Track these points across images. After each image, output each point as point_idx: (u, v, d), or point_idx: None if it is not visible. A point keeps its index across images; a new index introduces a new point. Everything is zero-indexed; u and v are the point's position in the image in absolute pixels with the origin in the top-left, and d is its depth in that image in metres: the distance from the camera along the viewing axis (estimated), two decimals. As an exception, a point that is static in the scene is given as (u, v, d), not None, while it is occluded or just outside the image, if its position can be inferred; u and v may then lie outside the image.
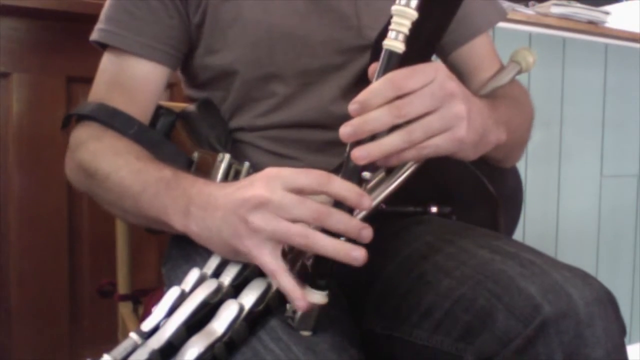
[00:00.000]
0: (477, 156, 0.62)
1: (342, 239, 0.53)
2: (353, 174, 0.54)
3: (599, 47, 2.04)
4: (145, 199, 0.63)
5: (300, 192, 0.53)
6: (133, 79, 0.79)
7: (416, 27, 0.54)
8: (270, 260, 0.53)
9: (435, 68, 0.55)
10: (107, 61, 0.81)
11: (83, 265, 1.46)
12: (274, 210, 0.52)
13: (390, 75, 0.53)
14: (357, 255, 0.52)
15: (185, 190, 0.60)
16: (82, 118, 0.77)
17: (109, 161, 0.69)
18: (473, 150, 0.60)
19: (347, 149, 0.54)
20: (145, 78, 0.79)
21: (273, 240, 0.52)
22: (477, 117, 0.58)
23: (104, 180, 0.69)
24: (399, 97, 0.53)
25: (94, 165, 0.70)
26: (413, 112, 0.53)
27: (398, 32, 0.53)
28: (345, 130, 0.52)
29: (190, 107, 0.86)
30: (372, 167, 0.55)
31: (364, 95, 0.53)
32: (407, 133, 0.53)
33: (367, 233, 0.52)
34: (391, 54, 0.54)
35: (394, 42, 0.53)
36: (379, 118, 0.52)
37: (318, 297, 0.54)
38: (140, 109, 0.78)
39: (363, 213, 0.58)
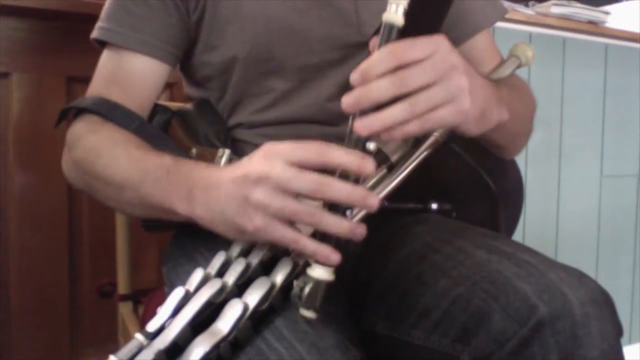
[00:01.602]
0: (480, 132, 0.61)
1: (348, 212, 0.53)
2: (356, 146, 0.54)
3: (599, 47, 2.04)
4: (146, 187, 0.63)
5: (300, 165, 0.52)
6: (131, 75, 0.79)
7: (417, 5, 0.53)
8: (285, 231, 0.53)
9: (437, 41, 0.54)
10: (106, 58, 0.81)
11: (83, 265, 1.47)
12: (275, 185, 0.52)
13: (392, 45, 0.52)
14: (360, 231, 0.53)
15: (187, 175, 0.60)
16: (80, 112, 0.76)
17: (107, 154, 0.69)
18: (476, 125, 0.59)
19: (350, 121, 0.54)
20: (143, 74, 0.79)
21: (279, 216, 0.52)
22: (479, 91, 0.57)
23: (103, 173, 0.68)
24: (400, 68, 0.52)
25: (92, 160, 0.70)
26: (415, 82, 0.52)
27: (397, 5, 0.53)
28: (347, 100, 0.52)
29: (187, 105, 0.86)
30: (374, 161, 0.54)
31: (365, 64, 0.52)
32: (410, 104, 0.52)
33: (372, 200, 0.52)
34: (391, 27, 0.53)
35: (393, 16, 0.53)
36: (380, 88, 0.51)
37: (324, 272, 0.54)
38: (137, 105, 0.78)
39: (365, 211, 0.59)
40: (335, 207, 0.54)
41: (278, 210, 0.52)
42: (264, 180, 0.52)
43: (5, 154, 1.36)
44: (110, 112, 0.74)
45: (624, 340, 0.58)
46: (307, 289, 0.54)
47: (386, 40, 0.53)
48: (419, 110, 0.53)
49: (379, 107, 0.52)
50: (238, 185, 0.53)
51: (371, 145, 0.54)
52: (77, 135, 0.75)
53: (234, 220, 0.54)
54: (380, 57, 0.52)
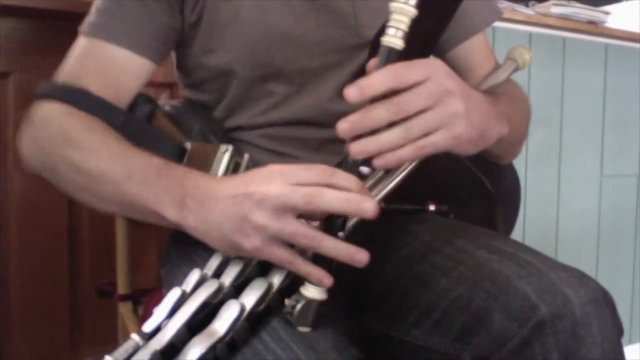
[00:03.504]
0: (478, 151, 0.62)
1: (341, 235, 0.53)
2: (352, 169, 0.54)
3: (599, 47, 2.04)
4: (131, 186, 0.60)
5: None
6: (111, 65, 0.74)
7: (415, 25, 0.54)
8: (283, 252, 0.53)
9: (433, 65, 0.55)
10: (87, 42, 0.75)
11: (83, 265, 1.47)
12: (275, 207, 0.52)
13: (390, 66, 0.53)
14: (360, 258, 0.53)
15: (179, 181, 0.58)
16: (59, 99, 0.70)
17: (85, 141, 0.65)
18: (473, 146, 0.60)
19: (346, 144, 0.54)
20: (124, 66, 0.75)
21: (277, 237, 0.53)
22: (476, 114, 0.58)
23: (79, 161, 0.64)
24: (396, 93, 0.53)
25: (64, 143, 0.65)
26: (410, 109, 0.53)
27: (397, 29, 0.53)
28: (343, 126, 0.53)
29: (172, 101, 0.84)
30: (371, 162, 0.55)
31: (363, 80, 0.52)
32: (404, 130, 0.53)
33: (370, 205, 0.52)
34: (390, 50, 0.54)
35: (393, 39, 0.54)
36: (376, 115, 0.52)
37: (317, 292, 0.55)
38: (114, 97, 0.73)
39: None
40: (332, 225, 0.54)
41: (277, 231, 0.52)
42: (265, 202, 0.52)
43: (5, 154, 1.36)
44: (96, 108, 0.69)
45: (623, 340, 0.58)
46: (298, 307, 0.55)
47: (384, 63, 0.54)
48: (413, 136, 0.54)
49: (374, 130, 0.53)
50: (238, 203, 0.53)
51: (365, 170, 0.55)
52: (50, 114, 0.69)
53: (231, 237, 0.54)
54: (379, 76, 0.53)
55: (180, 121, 0.79)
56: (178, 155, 0.72)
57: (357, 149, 0.53)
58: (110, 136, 0.65)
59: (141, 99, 0.78)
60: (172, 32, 0.78)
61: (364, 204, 0.52)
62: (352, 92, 0.52)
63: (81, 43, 0.76)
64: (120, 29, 0.74)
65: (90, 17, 0.77)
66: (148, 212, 0.60)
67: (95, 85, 0.71)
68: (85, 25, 0.77)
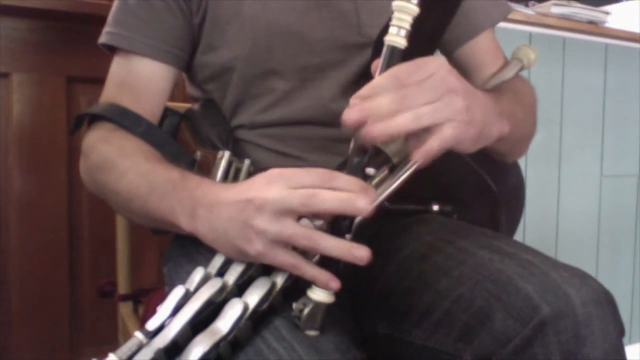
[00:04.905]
0: (478, 148, 0.62)
1: (348, 237, 0.53)
2: (357, 170, 0.54)
3: (599, 47, 2.04)
4: (152, 201, 0.64)
5: None
6: (140, 80, 0.80)
7: (418, 23, 0.54)
8: (286, 256, 0.53)
9: (437, 62, 0.55)
10: (116, 64, 0.82)
11: (83, 265, 1.47)
12: (275, 211, 0.52)
13: (394, 70, 0.53)
14: (361, 255, 0.52)
15: (191, 192, 0.60)
16: (93, 119, 0.78)
17: (117, 164, 0.70)
18: (473, 144, 0.60)
19: (351, 145, 0.54)
20: (151, 78, 0.80)
21: (278, 240, 0.53)
22: (477, 112, 0.58)
23: (113, 183, 0.69)
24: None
25: (103, 170, 0.71)
26: (415, 102, 0.53)
27: (400, 27, 0.53)
28: (352, 116, 0.52)
29: (195, 106, 0.86)
30: (376, 164, 0.55)
31: (366, 90, 0.53)
32: (415, 117, 0.53)
33: (363, 203, 0.51)
34: (393, 49, 0.54)
35: (396, 38, 0.54)
36: (383, 105, 0.52)
37: (324, 295, 0.54)
38: (148, 109, 0.79)
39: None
40: (338, 228, 0.54)
41: (276, 234, 0.52)
42: (265, 206, 0.52)
43: (5, 154, 1.36)
44: (120, 117, 0.75)
45: (623, 340, 0.57)
46: (306, 311, 0.54)
47: (388, 62, 0.54)
48: (422, 123, 0.53)
49: None
50: (240, 209, 0.53)
51: (371, 171, 0.55)
52: (90, 144, 0.76)
53: (235, 243, 0.54)
54: (382, 81, 0.53)
55: (195, 128, 0.83)
56: (191, 165, 0.75)
57: (377, 130, 0.52)
58: (140, 157, 0.69)
59: (169, 112, 0.84)
60: (188, 35, 0.81)
61: (357, 202, 0.51)
62: (356, 104, 0.52)
63: (113, 65, 0.82)
64: (140, 38, 0.78)
65: (109, 28, 0.81)
66: (168, 224, 0.63)
67: (130, 101, 0.78)
68: (104, 36, 0.81)
